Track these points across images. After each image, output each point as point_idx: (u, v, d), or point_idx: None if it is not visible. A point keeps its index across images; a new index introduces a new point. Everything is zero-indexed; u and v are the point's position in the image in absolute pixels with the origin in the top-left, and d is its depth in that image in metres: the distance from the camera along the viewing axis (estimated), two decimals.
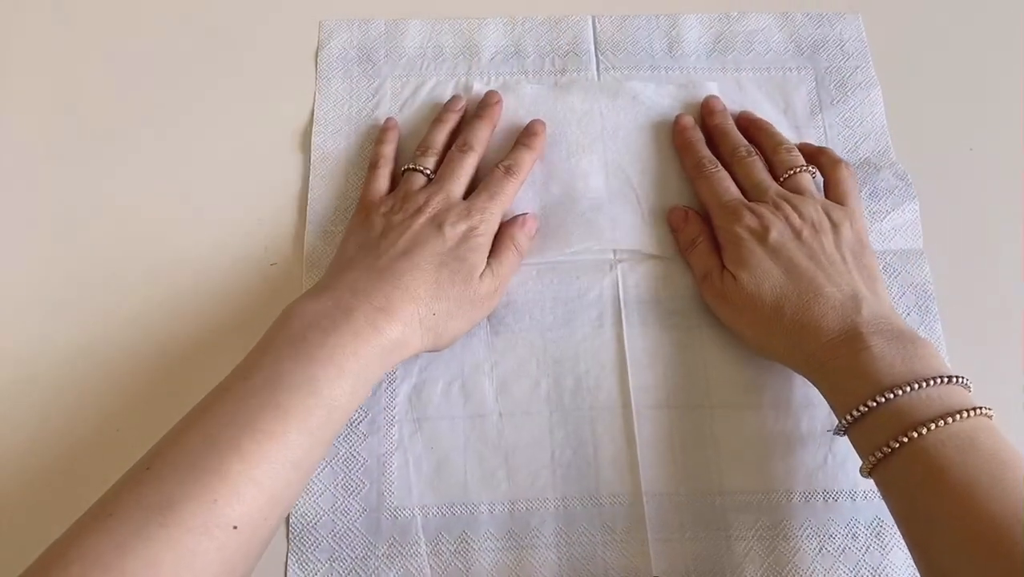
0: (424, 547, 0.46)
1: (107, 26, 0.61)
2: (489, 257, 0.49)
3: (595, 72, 0.59)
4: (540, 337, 0.50)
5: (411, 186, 0.51)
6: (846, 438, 0.47)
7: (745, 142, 0.53)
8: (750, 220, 0.48)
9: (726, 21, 0.61)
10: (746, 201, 0.50)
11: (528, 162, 0.53)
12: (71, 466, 0.47)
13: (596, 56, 0.59)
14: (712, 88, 0.58)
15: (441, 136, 0.54)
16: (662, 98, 0.58)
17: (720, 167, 0.52)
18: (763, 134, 0.54)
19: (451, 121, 0.55)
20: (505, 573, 0.45)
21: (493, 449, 0.48)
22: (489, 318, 0.51)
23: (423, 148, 0.53)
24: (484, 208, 0.49)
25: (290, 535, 0.46)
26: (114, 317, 0.51)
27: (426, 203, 0.48)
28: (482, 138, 0.53)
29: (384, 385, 0.49)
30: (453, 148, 0.52)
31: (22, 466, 0.48)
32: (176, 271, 0.53)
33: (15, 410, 0.49)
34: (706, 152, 0.54)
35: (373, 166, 0.53)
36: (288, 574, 0.45)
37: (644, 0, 0.62)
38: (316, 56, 0.59)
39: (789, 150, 0.52)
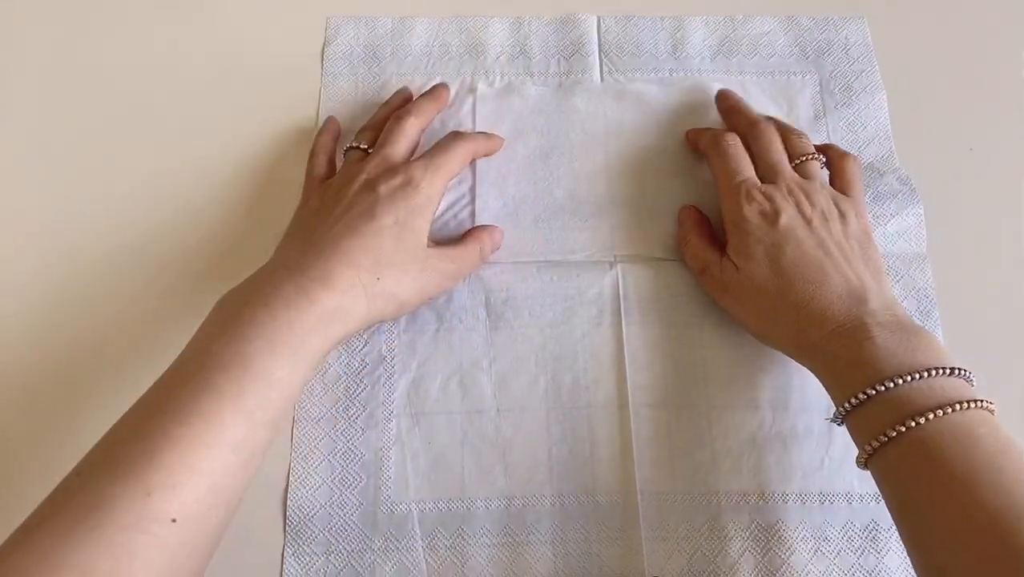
0: (420, 542, 0.46)
1: (110, 23, 0.61)
2: (449, 244, 0.49)
3: (599, 73, 0.59)
4: (539, 334, 0.50)
5: (349, 162, 0.50)
6: (844, 441, 0.47)
7: (763, 115, 0.53)
8: (761, 202, 0.47)
9: (731, 24, 0.61)
10: (758, 183, 0.49)
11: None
12: (71, 466, 0.48)
13: (600, 57, 0.60)
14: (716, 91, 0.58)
15: (382, 115, 0.53)
16: (667, 100, 0.58)
17: (738, 142, 0.51)
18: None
19: (395, 102, 0.55)
20: (501, 569, 0.45)
21: (490, 445, 0.48)
22: (488, 313, 0.51)
23: (362, 128, 0.53)
24: (425, 164, 0.47)
25: (287, 528, 0.46)
26: (113, 317, 0.51)
27: (361, 170, 0.47)
28: (424, 109, 0.51)
29: (383, 379, 0.49)
30: (391, 118, 0.51)
31: (21, 469, 0.48)
32: (176, 270, 0.53)
33: (15, 410, 0.49)
34: (723, 128, 0.53)
35: (311, 154, 0.53)
36: (284, 567, 0.45)
37: (650, 1, 0.62)
38: (322, 53, 0.60)
39: (800, 136, 0.52)
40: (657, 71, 0.59)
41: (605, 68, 0.59)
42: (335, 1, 0.62)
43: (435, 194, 0.47)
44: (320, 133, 0.55)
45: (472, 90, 0.58)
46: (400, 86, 0.58)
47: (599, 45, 0.60)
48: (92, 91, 0.58)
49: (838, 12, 0.62)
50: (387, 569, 0.45)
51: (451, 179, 0.50)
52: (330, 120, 0.56)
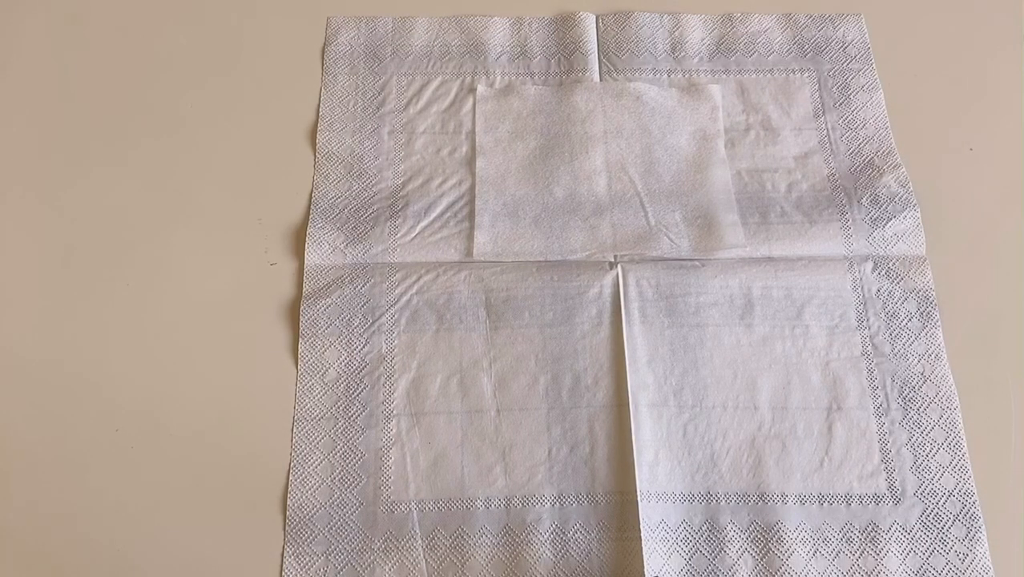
0: (420, 541, 0.46)
1: (112, 23, 0.61)
2: None
3: (599, 73, 0.59)
4: (539, 333, 0.50)
5: None
6: (843, 442, 0.47)
7: None
8: None
9: (729, 22, 0.61)
10: None
11: None
12: (71, 465, 0.48)
13: (600, 57, 0.60)
14: (715, 92, 0.58)
15: None
16: (665, 99, 0.58)
17: None
18: None
19: None
20: (500, 569, 0.45)
21: (490, 445, 0.48)
22: (488, 313, 0.51)
23: None
24: None
25: (287, 528, 0.46)
26: (114, 316, 0.52)
27: None
28: None
29: (383, 379, 0.49)
30: None
31: (22, 466, 0.48)
32: (176, 270, 0.53)
33: (16, 411, 0.49)
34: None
35: None
36: (284, 567, 0.45)
37: (649, 1, 0.62)
38: (322, 53, 0.60)
39: None
40: (656, 70, 0.59)
41: (604, 68, 0.59)
42: (335, 1, 0.62)
43: None
44: None
45: (472, 90, 0.58)
46: (400, 86, 0.58)
47: (598, 44, 0.60)
48: (92, 91, 0.58)
49: (835, 9, 0.62)
50: (387, 569, 0.45)
51: None
52: None
